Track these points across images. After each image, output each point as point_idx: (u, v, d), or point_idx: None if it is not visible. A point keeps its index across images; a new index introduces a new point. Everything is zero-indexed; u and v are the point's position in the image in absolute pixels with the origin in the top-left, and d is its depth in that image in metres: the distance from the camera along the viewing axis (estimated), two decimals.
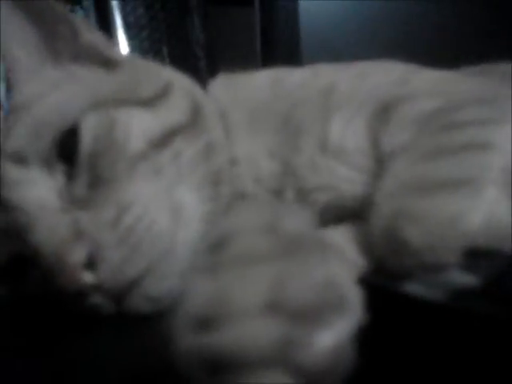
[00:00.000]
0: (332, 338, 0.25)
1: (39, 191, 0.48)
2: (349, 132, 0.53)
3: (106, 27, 1.46)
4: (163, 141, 0.51)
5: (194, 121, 0.55)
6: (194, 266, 0.31)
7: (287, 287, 0.26)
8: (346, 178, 0.52)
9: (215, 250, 0.30)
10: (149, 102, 0.54)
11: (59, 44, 0.59)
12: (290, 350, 0.24)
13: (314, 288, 0.26)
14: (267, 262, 0.27)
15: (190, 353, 0.26)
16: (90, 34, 0.61)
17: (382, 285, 0.39)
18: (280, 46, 1.71)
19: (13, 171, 0.50)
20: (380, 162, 0.49)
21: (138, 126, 0.51)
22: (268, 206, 0.37)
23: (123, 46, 1.49)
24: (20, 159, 0.50)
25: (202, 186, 0.51)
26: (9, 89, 1.40)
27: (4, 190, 0.49)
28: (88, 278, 0.44)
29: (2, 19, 0.57)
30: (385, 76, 0.58)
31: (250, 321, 0.25)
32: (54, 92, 0.55)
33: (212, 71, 1.61)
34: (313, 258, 0.28)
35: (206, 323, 0.26)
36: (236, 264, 0.28)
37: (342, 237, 0.47)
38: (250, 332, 0.25)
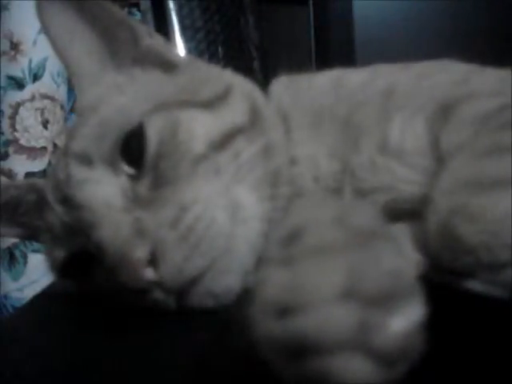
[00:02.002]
0: (403, 322, 0.26)
1: (104, 190, 0.50)
2: (409, 132, 0.52)
3: (164, 29, 1.49)
4: (223, 142, 0.52)
5: (254, 122, 0.56)
6: (267, 257, 0.32)
7: (361, 275, 0.27)
8: (405, 179, 0.51)
9: (287, 242, 0.31)
10: (209, 104, 0.55)
11: (120, 48, 0.61)
12: (366, 334, 0.25)
13: (386, 276, 0.27)
14: (340, 252, 0.29)
15: (270, 339, 0.28)
16: (150, 38, 0.63)
17: (441, 281, 0.39)
18: (334, 45, 1.70)
19: (79, 170, 0.52)
20: (439, 162, 0.48)
21: (199, 128, 0.52)
22: (333, 201, 0.38)
23: (180, 47, 1.52)
24: (85, 159, 0.52)
25: (261, 185, 0.52)
26: (70, 90, 1.46)
27: (70, 188, 0.52)
28: (150, 274, 0.45)
29: (65, 24, 0.60)
30: (444, 76, 0.57)
31: (328, 307, 0.26)
32: (116, 95, 0.57)
33: (266, 71, 1.63)
34: (383, 249, 0.29)
35: (284, 311, 0.27)
36: (310, 255, 0.29)
37: (397, 233, 0.47)
38: (329, 318, 0.26)
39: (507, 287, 0.37)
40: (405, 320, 0.26)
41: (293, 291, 0.28)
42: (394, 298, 0.26)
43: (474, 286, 0.38)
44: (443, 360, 0.31)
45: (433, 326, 0.26)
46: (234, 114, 0.56)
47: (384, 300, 0.26)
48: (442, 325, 0.29)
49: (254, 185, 0.52)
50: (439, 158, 0.49)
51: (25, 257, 1.39)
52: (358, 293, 0.26)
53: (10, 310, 1.38)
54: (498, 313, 0.36)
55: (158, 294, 0.47)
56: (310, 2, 1.74)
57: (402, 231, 0.47)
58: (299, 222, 0.33)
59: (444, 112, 0.51)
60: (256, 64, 1.62)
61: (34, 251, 1.38)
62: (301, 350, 0.26)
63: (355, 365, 0.25)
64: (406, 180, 0.51)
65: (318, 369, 0.26)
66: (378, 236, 0.30)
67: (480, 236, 0.37)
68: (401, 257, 0.29)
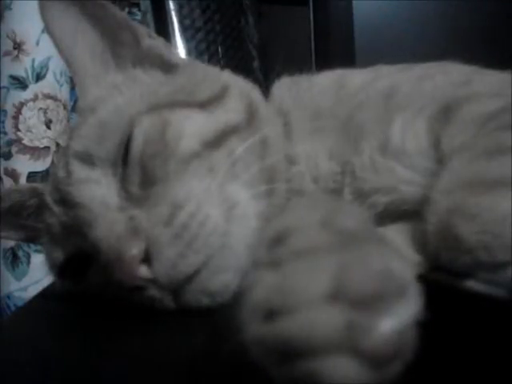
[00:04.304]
0: (393, 324, 0.25)
1: (102, 190, 0.51)
2: (410, 134, 0.52)
3: (164, 29, 1.49)
4: (217, 141, 0.53)
5: (249, 121, 0.57)
6: (255, 260, 0.32)
7: (349, 276, 0.26)
8: (406, 180, 0.51)
9: (274, 244, 0.31)
10: (205, 104, 0.56)
11: (121, 49, 0.62)
12: (354, 336, 0.25)
13: (374, 277, 0.26)
14: (327, 253, 0.28)
15: (259, 341, 0.27)
16: (151, 40, 0.64)
17: (440, 281, 0.39)
18: (334, 45, 1.70)
19: (79, 169, 0.53)
20: (440, 163, 0.48)
21: (191, 127, 0.53)
22: (323, 203, 0.37)
23: (180, 47, 1.52)
24: (86, 159, 0.53)
25: (256, 183, 0.52)
26: (72, 89, 1.47)
27: (69, 186, 0.52)
28: (144, 272, 0.46)
29: (68, 24, 0.61)
30: (445, 77, 0.58)
31: (315, 309, 0.26)
32: (116, 96, 0.58)
33: (266, 71, 1.63)
34: (371, 250, 0.29)
35: (272, 313, 0.27)
36: (297, 257, 0.29)
37: (397, 234, 0.47)
38: (316, 320, 0.26)
39: (506, 287, 0.37)
40: (394, 321, 0.25)
41: (280, 293, 0.27)
42: (383, 298, 0.26)
43: (474, 285, 0.38)
44: (442, 360, 0.31)
45: (432, 325, 0.26)
46: (229, 113, 0.56)
47: (372, 301, 0.25)
48: (440, 325, 0.29)
49: (249, 182, 0.52)
50: (440, 159, 0.49)
51: (28, 257, 1.40)
52: (345, 294, 0.26)
53: (14, 310, 1.39)
54: (498, 313, 0.36)
55: (154, 292, 0.47)
56: (310, 2, 1.74)
57: (401, 232, 0.47)
58: (286, 223, 0.33)
59: (445, 113, 0.51)
60: (256, 64, 1.62)
61: (37, 251, 1.38)
62: (290, 352, 0.26)
63: (344, 367, 0.25)
64: (407, 181, 0.51)
65: (307, 371, 0.25)
66: (365, 237, 0.30)
67: (479, 236, 0.37)
68: (391, 257, 0.29)
